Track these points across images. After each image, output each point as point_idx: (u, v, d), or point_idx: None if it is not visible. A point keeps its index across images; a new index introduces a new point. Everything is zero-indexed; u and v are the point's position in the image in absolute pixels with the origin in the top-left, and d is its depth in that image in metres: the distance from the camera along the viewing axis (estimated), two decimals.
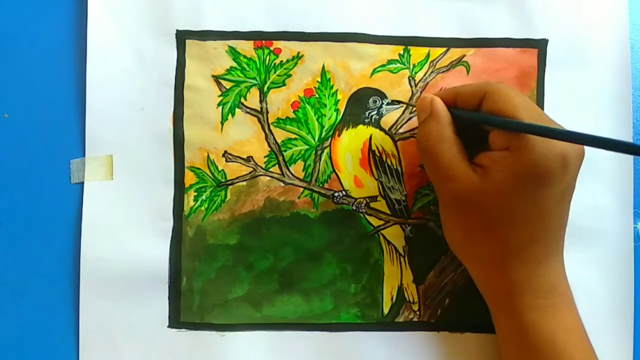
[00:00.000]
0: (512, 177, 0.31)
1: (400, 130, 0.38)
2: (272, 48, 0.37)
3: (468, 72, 0.38)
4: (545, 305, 0.32)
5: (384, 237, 0.38)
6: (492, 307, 0.35)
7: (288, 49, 0.37)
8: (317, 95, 0.38)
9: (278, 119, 0.37)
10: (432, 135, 0.33)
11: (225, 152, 0.37)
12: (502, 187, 0.31)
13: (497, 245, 0.32)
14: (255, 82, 0.37)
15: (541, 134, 0.30)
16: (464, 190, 0.32)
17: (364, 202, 0.38)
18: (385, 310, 0.38)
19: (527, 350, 0.32)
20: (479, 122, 0.32)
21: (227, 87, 0.37)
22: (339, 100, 0.38)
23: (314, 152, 0.38)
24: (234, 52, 0.37)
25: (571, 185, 0.32)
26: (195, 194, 0.37)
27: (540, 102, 0.38)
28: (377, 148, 0.38)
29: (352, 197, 0.38)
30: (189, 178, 0.37)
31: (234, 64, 0.37)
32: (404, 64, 0.38)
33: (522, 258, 0.32)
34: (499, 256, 0.32)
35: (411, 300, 0.38)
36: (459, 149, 0.33)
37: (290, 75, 0.38)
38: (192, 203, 0.37)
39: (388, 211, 0.38)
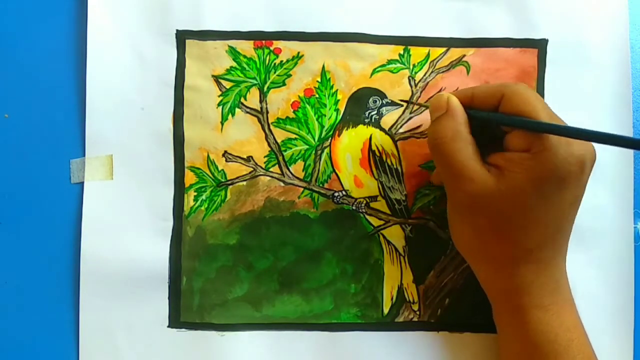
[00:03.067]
0: (533, 180, 0.30)
1: (400, 130, 0.38)
2: (272, 48, 0.37)
3: (468, 72, 0.38)
4: (548, 304, 0.32)
5: (384, 237, 0.38)
6: (495, 305, 0.35)
7: (288, 49, 0.37)
8: (317, 95, 0.38)
9: (278, 118, 0.37)
10: (447, 133, 0.32)
11: (225, 152, 0.37)
12: (520, 189, 0.30)
13: (508, 246, 0.32)
14: (255, 82, 0.37)
15: (567, 135, 0.29)
16: (478, 191, 0.31)
17: (364, 202, 0.38)
18: (385, 310, 0.38)
19: (529, 350, 0.32)
20: (499, 123, 0.32)
21: (227, 87, 0.37)
22: (339, 100, 0.38)
23: (314, 152, 0.38)
24: (234, 52, 0.37)
25: (585, 188, 0.32)
26: (195, 193, 0.37)
27: None
28: (377, 148, 0.38)
29: (352, 197, 0.38)
30: (189, 178, 0.37)
31: (234, 64, 0.37)
32: (404, 64, 0.38)
33: (531, 259, 0.32)
34: (508, 257, 0.32)
35: (411, 300, 0.38)
36: (474, 149, 0.32)
37: (290, 75, 0.38)
38: (192, 203, 0.37)
39: (388, 211, 0.38)
